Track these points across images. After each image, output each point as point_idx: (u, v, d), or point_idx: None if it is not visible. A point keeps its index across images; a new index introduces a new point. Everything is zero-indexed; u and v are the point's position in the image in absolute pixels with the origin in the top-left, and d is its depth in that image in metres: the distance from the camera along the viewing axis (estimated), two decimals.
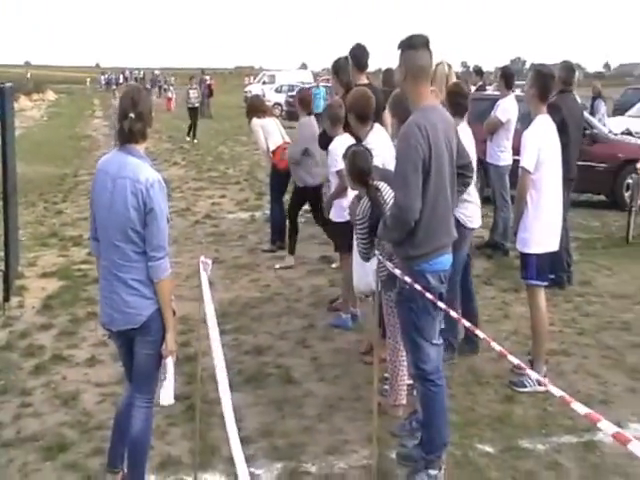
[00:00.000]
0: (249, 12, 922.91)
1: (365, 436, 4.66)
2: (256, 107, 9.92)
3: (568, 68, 8.21)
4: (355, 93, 6.00)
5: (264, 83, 44.29)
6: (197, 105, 25.20)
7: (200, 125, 25.07)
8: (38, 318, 6.90)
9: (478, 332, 3.69)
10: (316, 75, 44.61)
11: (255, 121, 9.71)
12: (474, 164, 6.00)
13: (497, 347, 3.35)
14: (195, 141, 23.68)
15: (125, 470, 4.03)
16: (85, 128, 30.14)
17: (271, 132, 9.59)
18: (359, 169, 4.91)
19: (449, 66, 6.42)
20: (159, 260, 3.70)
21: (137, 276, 3.74)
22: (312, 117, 8.70)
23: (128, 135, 3.75)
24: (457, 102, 5.90)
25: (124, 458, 4.04)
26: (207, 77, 37.21)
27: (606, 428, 2.52)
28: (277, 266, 8.72)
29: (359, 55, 7.03)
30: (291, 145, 9.05)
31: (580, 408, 2.61)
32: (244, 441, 4.49)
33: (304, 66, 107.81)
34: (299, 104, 8.85)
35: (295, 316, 7.04)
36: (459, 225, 5.81)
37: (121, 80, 71.88)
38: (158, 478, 4.28)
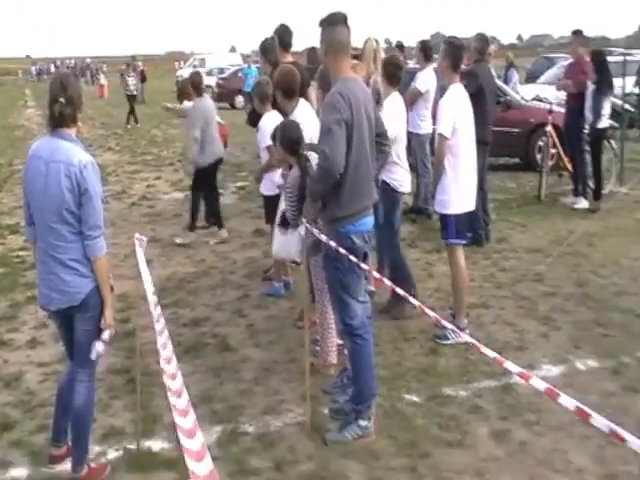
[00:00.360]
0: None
1: (299, 395, 4.94)
2: (185, 90, 9.87)
3: (482, 39, 8.64)
4: (281, 70, 6.20)
5: (194, 67, 43.88)
6: (135, 93, 25.20)
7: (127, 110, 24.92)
8: None
9: (399, 291, 4.01)
10: (246, 57, 44.47)
11: (187, 103, 9.69)
12: (404, 132, 6.35)
13: (415, 302, 3.67)
14: (138, 125, 23.73)
15: (69, 443, 4.19)
16: (18, 118, 29.65)
17: None
18: (290, 139, 5.17)
19: (377, 42, 6.72)
20: (95, 239, 3.84)
21: (74, 256, 3.87)
22: (205, 97, 9.03)
23: (59, 119, 3.85)
24: (392, 73, 6.24)
25: (67, 432, 4.19)
26: (139, 63, 36.91)
27: (512, 369, 2.87)
28: (212, 242, 8.92)
29: (283, 35, 7.27)
30: (189, 127, 9.11)
31: (489, 352, 2.95)
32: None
33: (233, 49, 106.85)
34: (191, 86, 9.07)
35: (230, 287, 7.29)
36: (390, 190, 6.18)
37: (52, 70, 70.39)
38: (102, 448, 4.46)
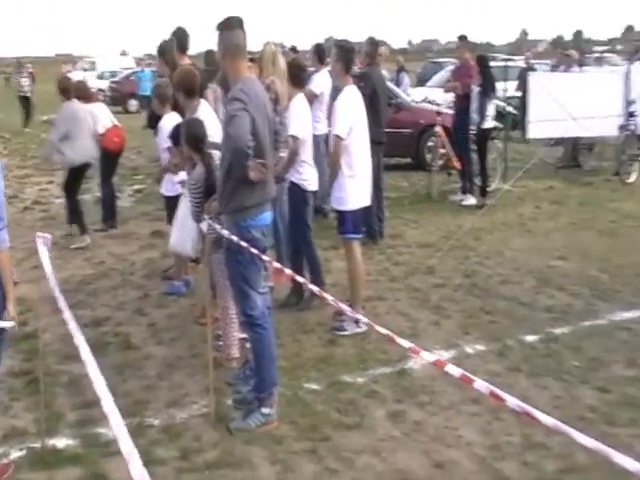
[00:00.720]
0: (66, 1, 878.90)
1: (203, 388, 5.05)
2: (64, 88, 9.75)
3: (373, 43, 8.98)
4: (181, 71, 6.29)
5: (85, 70, 42.86)
6: (29, 95, 24.00)
7: (21, 112, 24.08)
8: None
9: (308, 284, 4.21)
10: (139, 60, 43.81)
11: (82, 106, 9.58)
12: (310, 133, 6.57)
13: (330, 299, 3.85)
14: (27, 130, 22.67)
15: None
16: None
17: (99, 116, 9.54)
18: (195, 136, 5.29)
19: (275, 45, 6.91)
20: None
21: None
22: (73, 101, 8.98)
23: None
24: (296, 74, 6.44)
25: None
26: (28, 65, 35.82)
27: (403, 343, 3.10)
28: (72, 246, 8.88)
29: (181, 38, 7.38)
30: (53, 130, 9.13)
31: (405, 343, 3.18)
32: (90, 405, 4.84)
33: (124, 52, 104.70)
34: (59, 91, 9.08)
35: (130, 288, 7.31)
36: (300, 189, 6.39)
37: None
38: (4, 449, 4.43)
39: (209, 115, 6.11)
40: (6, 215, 3.98)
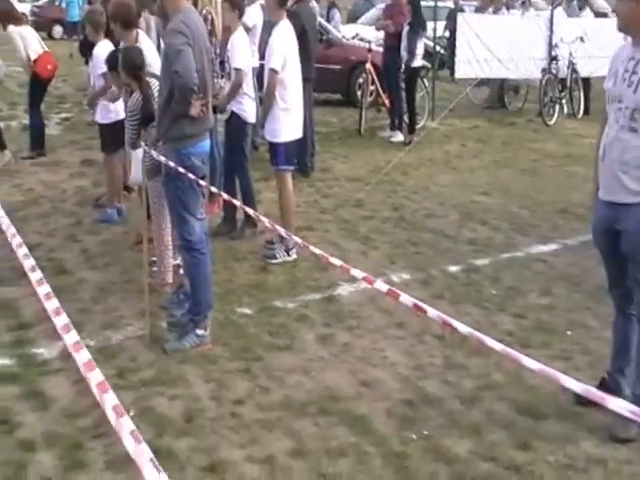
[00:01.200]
0: None
1: (138, 311, 5.17)
2: (8, 13, 9.36)
3: None
4: (117, 3, 6.12)
5: None
6: None
7: None
8: None
9: (245, 209, 4.35)
10: None
11: (13, 28, 9.19)
12: (250, 65, 6.60)
13: (277, 227, 4.05)
14: None
15: None
16: None
17: (30, 41, 9.21)
18: (133, 63, 5.27)
19: None
20: None
21: None
22: None
23: None
24: (236, 3, 6.46)
25: None
26: None
27: (335, 262, 3.28)
28: None
29: None
30: None
31: (336, 261, 3.36)
32: (25, 326, 4.92)
33: None
34: None
35: (62, 215, 7.29)
36: (241, 121, 6.46)
37: None
38: None
39: (149, 46, 6.08)
40: None
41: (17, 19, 9.34)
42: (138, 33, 6.13)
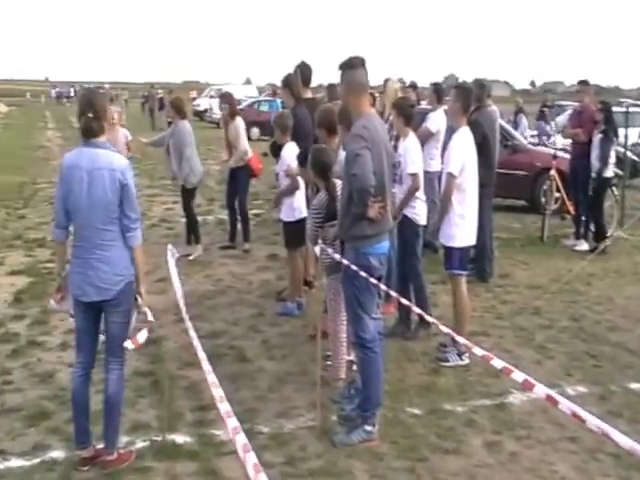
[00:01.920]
0: (195, 29, 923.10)
1: (310, 403, 5.37)
2: (234, 108, 10.36)
3: (481, 86, 9.03)
4: (324, 110, 6.63)
5: (211, 97, 44.71)
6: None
7: (152, 136, 25.20)
8: (11, 310, 7.49)
9: (417, 310, 4.49)
10: (261, 90, 45.37)
11: (239, 121, 10.10)
12: (422, 169, 6.85)
13: (445, 329, 4.17)
14: None
15: (94, 445, 4.60)
16: (39, 139, 30.54)
17: (245, 137, 10.16)
18: (322, 163, 5.68)
19: (398, 82, 7.29)
20: (135, 230, 4.42)
21: (116, 254, 4.39)
22: (186, 121, 9.67)
23: (88, 131, 4.38)
24: (408, 113, 6.76)
25: (90, 434, 4.60)
26: (159, 91, 37.90)
27: (517, 377, 3.28)
28: (191, 257, 9.57)
29: (305, 71, 7.81)
30: (181, 145, 9.63)
31: (498, 363, 3.39)
32: (205, 408, 5.26)
33: (248, 81, 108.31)
34: (173, 109, 9.86)
35: (246, 306, 7.76)
36: (413, 223, 6.68)
37: (72, 94, 73.27)
38: (130, 439, 4.89)
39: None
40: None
41: (238, 113, 10.33)
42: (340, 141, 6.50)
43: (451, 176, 6.20)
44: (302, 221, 7.00)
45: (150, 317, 4.47)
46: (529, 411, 5.39)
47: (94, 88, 5.09)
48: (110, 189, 4.28)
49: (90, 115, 4.34)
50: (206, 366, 3.42)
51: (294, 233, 7.22)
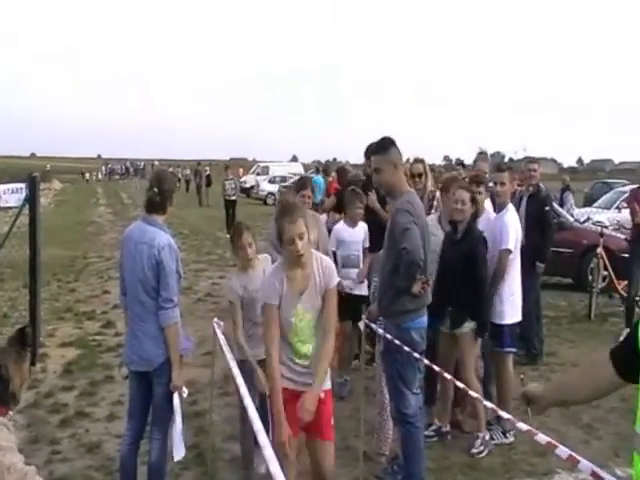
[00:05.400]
0: (242, 109, 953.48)
1: (353, 478, 5.38)
2: None
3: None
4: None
5: (258, 174, 45.62)
6: (234, 198, 23.57)
7: (199, 212, 25.83)
8: (60, 381, 7.69)
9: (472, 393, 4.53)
10: (306, 167, 46.14)
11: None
12: None
13: (489, 404, 4.24)
14: (227, 236, 22.46)
15: None
16: (91, 215, 31.55)
17: None
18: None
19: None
20: (167, 310, 4.48)
21: (156, 327, 4.51)
22: None
23: (149, 205, 4.61)
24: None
25: None
26: (206, 168, 38.98)
27: (561, 453, 3.24)
28: None
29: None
30: None
31: (542, 438, 3.37)
32: None
33: (295, 158, 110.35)
34: None
35: None
36: None
37: (123, 170, 76.29)
38: None
39: None
40: (178, 299, 4.59)
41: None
42: None
43: (508, 252, 6.18)
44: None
45: (185, 393, 4.56)
46: None
47: (166, 168, 5.36)
48: (147, 264, 4.45)
49: (155, 190, 4.56)
50: (262, 438, 3.35)
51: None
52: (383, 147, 5.02)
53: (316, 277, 4.11)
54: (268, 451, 2.94)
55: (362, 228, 7.39)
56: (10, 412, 2.24)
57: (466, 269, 5.77)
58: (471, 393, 4.48)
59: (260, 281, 4.86)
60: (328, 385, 4.27)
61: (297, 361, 4.16)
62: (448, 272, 5.87)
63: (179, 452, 4.55)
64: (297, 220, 3.97)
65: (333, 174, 15.94)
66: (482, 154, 11.00)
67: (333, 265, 4.24)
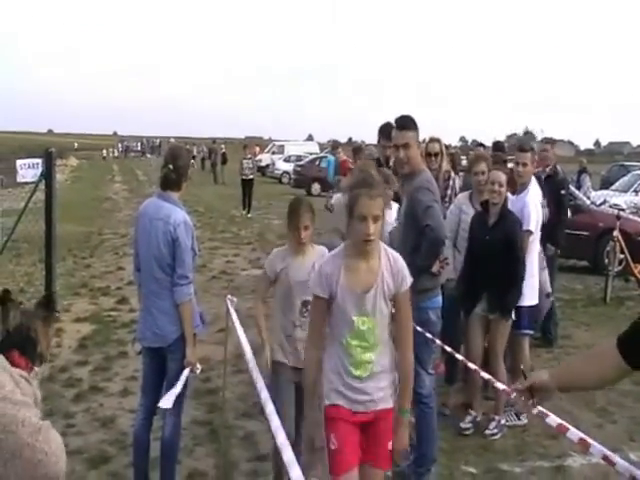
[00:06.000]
0: (258, 87, 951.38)
1: None
2: None
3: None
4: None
5: (273, 153, 45.56)
6: (251, 177, 23.25)
7: (214, 190, 25.86)
8: (75, 356, 7.73)
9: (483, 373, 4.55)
10: (322, 146, 45.89)
11: None
12: None
13: (502, 386, 4.19)
14: (249, 215, 22.36)
15: None
16: (106, 191, 31.70)
17: None
18: None
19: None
20: (182, 286, 4.45)
21: (170, 303, 4.49)
22: None
23: (165, 182, 4.58)
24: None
25: (148, 479, 4.71)
26: (222, 146, 39.01)
27: (573, 436, 3.23)
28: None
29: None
30: None
31: (552, 420, 3.36)
32: (260, 459, 5.31)
33: (310, 137, 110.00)
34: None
35: None
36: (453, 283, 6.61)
37: (139, 147, 76.91)
38: None
39: None
40: (193, 276, 4.56)
41: None
42: None
43: (529, 233, 6.12)
44: None
45: (181, 380, 4.50)
46: (589, 475, 5.28)
47: (181, 145, 5.30)
48: (162, 241, 4.43)
49: (170, 167, 4.54)
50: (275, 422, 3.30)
51: None
52: (413, 122, 4.92)
53: (384, 276, 3.48)
54: (287, 454, 2.79)
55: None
56: (35, 368, 2.27)
57: (504, 253, 5.71)
58: (497, 385, 4.44)
59: (306, 273, 4.39)
60: (390, 403, 3.61)
61: (354, 373, 3.48)
62: (486, 256, 5.80)
63: (165, 404, 4.46)
64: (376, 198, 3.33)
65: (340, 151, 15.91)
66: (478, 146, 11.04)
67: (406, 266, 3.61)
